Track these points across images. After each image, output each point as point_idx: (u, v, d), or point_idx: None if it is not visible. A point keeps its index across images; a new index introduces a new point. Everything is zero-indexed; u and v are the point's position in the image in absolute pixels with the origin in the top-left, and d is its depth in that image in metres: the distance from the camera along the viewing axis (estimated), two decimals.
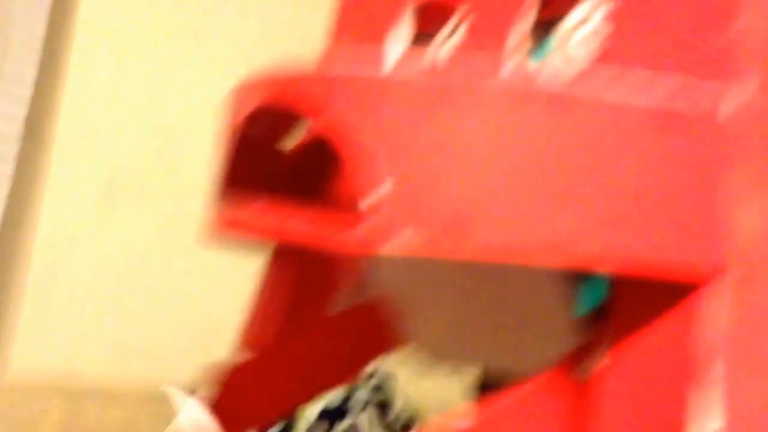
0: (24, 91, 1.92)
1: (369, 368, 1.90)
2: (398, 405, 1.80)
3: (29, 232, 1.89)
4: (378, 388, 1.83)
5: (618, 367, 0.51)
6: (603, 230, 0.46)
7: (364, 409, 1.73)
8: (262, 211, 0.48)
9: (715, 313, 0.48)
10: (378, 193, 0.44)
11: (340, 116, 0.45)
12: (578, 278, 0.55)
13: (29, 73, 1.93)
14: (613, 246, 0.46)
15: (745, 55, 0.49)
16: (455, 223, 0.45)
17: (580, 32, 0.57)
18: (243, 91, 0.53)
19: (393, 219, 0.44)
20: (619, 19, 0.53)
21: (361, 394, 1.79)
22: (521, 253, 0.45)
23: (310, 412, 1.71)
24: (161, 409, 1.76)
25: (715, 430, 0.47)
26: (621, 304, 0.52)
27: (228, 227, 0.50)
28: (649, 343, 0.50)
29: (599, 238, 0.46)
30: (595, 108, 0.46)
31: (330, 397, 1.74)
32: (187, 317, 1.97)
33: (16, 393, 1.54)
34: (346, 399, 1.77)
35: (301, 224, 0.46)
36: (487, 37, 0.59)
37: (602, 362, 0.51)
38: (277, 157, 0.65)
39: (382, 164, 0.45)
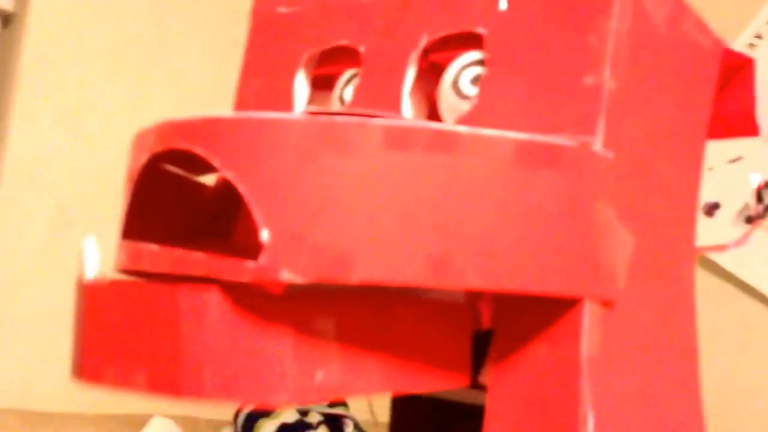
0: None
1: None
2: (350, 424, 1.83)
3: None
4: (334, 404, 1.86)
5: (504, 380, 0.55)
6: (480, 257, 0.49)
7: (319, 425, 1.76)
8: (164, 248, 0.51)
9: (590, 331, 0.52)
10: (261, 237, 0.47)
11: (226, 160, 0.49)
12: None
13: None
14: (492, 271, 0.49)
15: (595, 111, 0.53)
16: (338, 259, 0.48)
17: (469, 73, 0.60)
18: (139, 138, 0.56)
19: (274, 261, 0.47)
20: (491, 74, 0.58)
21: (317, 411, 1.82)
22: (402, 280, 0.48)
23: (267, 426, 1.73)
24: (116, 426, 1.79)
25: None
26: (505, 319, 0.56)
27: (133, 260, 0.53)
28: (535, 353, 0.53)
29: (477, 265, 0.49)
30: (471, 142, 0.49)
31: (286, 415, 1.76)
32: None
33: None
34: (303, 414, 1.79)
35: (200, 258, 0.49)
36: (384, 78, 0.62)
37: (490, 376, 0.55)
38: (197, 192, 0.68)
39: (262, 210, 0.48)
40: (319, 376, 0.50)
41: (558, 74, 0.55)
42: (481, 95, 0.58)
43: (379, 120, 0.50)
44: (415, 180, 0.49)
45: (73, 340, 0.55)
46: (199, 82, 2.25)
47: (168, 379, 0.49)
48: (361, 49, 0.63)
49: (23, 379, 1.90)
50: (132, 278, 0.59)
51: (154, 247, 0.51)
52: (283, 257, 0.48)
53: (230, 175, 0.49)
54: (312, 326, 0.50)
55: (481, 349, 0.58)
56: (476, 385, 0.58)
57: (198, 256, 0.49)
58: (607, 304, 0.53)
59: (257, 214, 0.48)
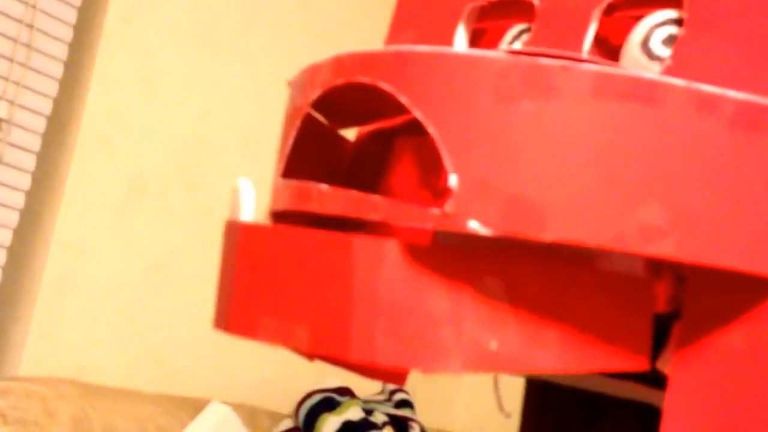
0: (50, 88, 1.91)
1: (390, 386, 1.89)
2: (416, 428, 1.78)
3: (48, 229, 1.88)
4: (399, 406, 1.82)
5: (688, 368, 0.49)
6: (683, 226, 0.44)
7: (384, 426, 1.71)
8: (336, 188, 0.46)
9: None
10: (449, 182, 0.43)
11: (415, 98, 0.44)
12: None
13: (56, 70, 1.92)
14: (701, 241, 0.44)
15: None
16: (531, 213, 0.43)
17: (661, 32, 0.55)
18: (311, 72, 0.51)
19: (462, 209, 0.43)
20: (690, 35, 0.52)
21: (382, 411, 1.77)
22: (597, 242, 0.44)
23: (331, 422, 1.69)
24: (173, 407, 1.76)
25: None
26: (697, 301, 0.50)
27: (299, 200, 0.48)
28: (729, 341, 0.48)
29: (685, 233, 0.44)
30: (688, 96, 0.44)
31: (351, 412, 1.72)
32: (203, 325, 1.95)
33: (27, 388, 1.53)
34: (368, 413, 1.75)
35: (378, 202, 0.45)
36: (561, 33, 0.57)
37: (676, 358, 0.50)
38: (339, 146, 0.64)
39: (452, 154, 0.44)
40: (494, 344, 0.45)
41: None
42: (675, 57, 0.53)
43: (588, 65, 0.45)
44: (624, 133, 0.44)
45: (219, 287, 0.51)
46: (279, 56, 2.21)
47: (334, 337, 0.44)
48: (536, 2, 0.59)
49: (85, 351, 1.87)
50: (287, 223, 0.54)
51: (324, 187, 0.47)
52: (472, 206, 0.43)
53: (418, 114, 0.44)
54: (486, 287, 0.46)
55: (660, 334, 0.53)
56: (654, 372, 0.53)
57: (376, 199, 0.45)
58: None
59: (447, 158, 0.44)
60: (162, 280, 1.98)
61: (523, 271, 0.47)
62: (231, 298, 0.49)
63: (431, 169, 0.60)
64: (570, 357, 0.48)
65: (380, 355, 0.43)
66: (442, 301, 0.44)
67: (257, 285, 0.47)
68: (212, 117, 2.07)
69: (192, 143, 2.04)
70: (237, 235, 0.49)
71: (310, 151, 0.59)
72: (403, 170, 0.61)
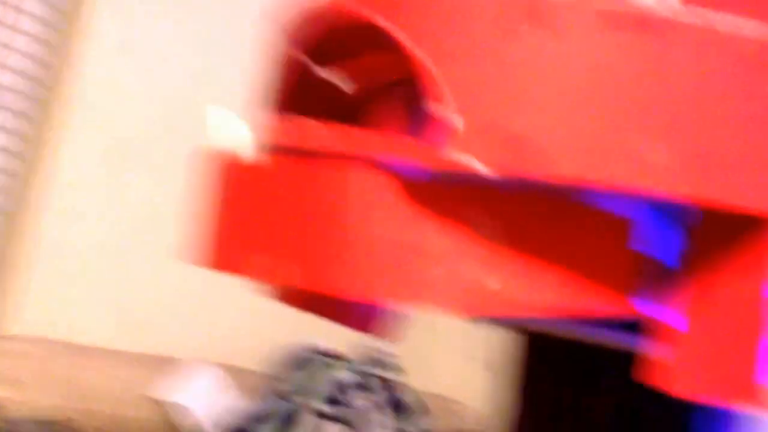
0: (35, 48, 1.88)
1: (380, 348, 1.88)
2: (407, 390, 1.78)
3: (35, 192, 1.86)
4: (389, 368, 1.81)
5: (705, 313, 0.48)
6: (693, 165, 0.43)
7: (375, 388, 1.71)
8: (331, 124, 0.45)
9: None
10: (452, 121, 0.41)
11: (413, 35, 0.43)
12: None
13: (42, 31, 1.90)
14: (704, 181, 0.43)
15: None
16: (536, 152, 0.42)
17: None
18: (310, 10, 0.50)
19: (465, 149, 0.41)
20: None
21: (371, 374, 1.77)
22: (604, 182, 0.42)
23: (321, 385, 1.69)
24: (161, 368, 1.75)
25: None
26: (703, 248, 0.49)
27: (297, 135, 0.46)
28: (737, 287, 0.47)
29: (691, 171, 0.43)
30: (703, 34, 0.43)
31: (341, 373, 1.72)
32: (192, 284, 1.94)
33: (20, 346, 1.52)
34: (358, 376, 1.75)
35: (377, 138, 0.43)
36: None
37: (687, 308, 0.49)
38: (331, 92, 0.62)
39: (454, 92, 0.42)
40: (495, 284, 0.44)
41: None
42: None
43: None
44: (631, 69, 0.42)
45: (205, 222, 0.49)
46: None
47: (328, 273, 0.43)
48: None
49: (72, 313, 1.86)
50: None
51: (320, 123, 0.45)
52: (475, 145, 0.42)
53: (417, 52, 0.43)
54: (484, 226, 0.44)
55: (667, 283, 0.52)
56: (647, 318, 0.52)
57: (375, 135, 0.43)
58: None
59: (448, 97, 0.42)
60: (150, 242, 1.96)
61: (524, 212, 0.46)
62: (219, 234, 0.47)
63: (426, 113, 0.59)
64: (569, 300, 0.47)
65: (376, 292, 0.42)
66: (441, 239, 0.43)
67: (247, 219, 0.46)
68: (198, 77, 2.05)
69: (174, 106, 2.02)
70: (222, 168, 0.48)
71: (298, 95, 0.57)
72: (397, 115, 0.59)
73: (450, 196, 0.44)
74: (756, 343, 0.45)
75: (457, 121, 0.42)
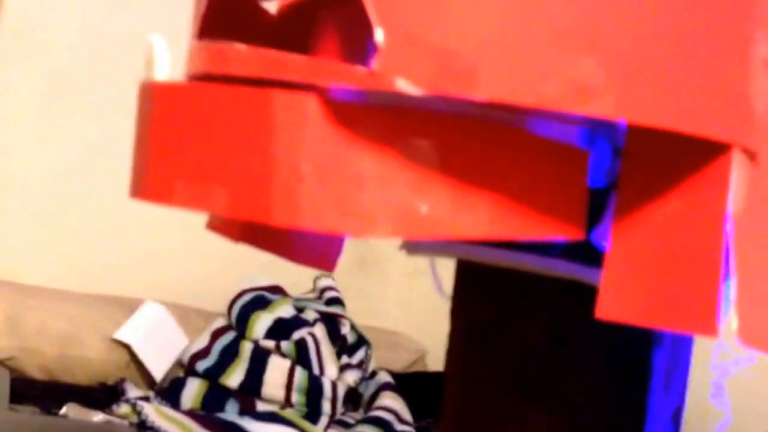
0: None
1: (321, 283, 1.88)
2: (347, 324, 1.77)
3: None
4: (330, 303, 1.81)
5: (627, 239, 0.48)
6: (621, 82, 0.42)
7: (315, 323, 1.70)
8: (256, 47, 0.43)
9: (737, 184, 0.45)
10: (375, 37, 0.40)
11: None
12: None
13: None
14: (639, 98, 0.42)
15: None
16: (463, 69, 0.41)
17: None
18: None
19: (389, 66, 0.40)
20: None
21: (313, 308, 1.77)
22: (532, 101, 0.41)
23: (263, 319, 1.68)
24: (106, 306, 1.73)
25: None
26: (634, 168, 0.48)
27: (217, 61, 0.45)
28: (668, 207, 0.46)
29: (622, 90, 0.42)
30: None
31: (282, 309, 1.71)
32: (136, 222, 1.91)
33: None
34: (299, 311, 1.74)
35: (300, 61, 0.42)
36: None
37: (615, 231, 0.48)
38: (260, 16, 0.60)
39: (377, 5, 0.41)
40: (424, 207, 0.43)
41: None
42: None
43: None
44: None
45: (135, 155, 0.48)
46: None
47: (255, 199, 0.42)
48: None
49: (15, 252, 1.83)
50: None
51: (242, 47, 0.44)
52: (400, 62, 0.41)
53: None
54: (416, 149, 0.43)
55: (597, 206, 0.51)
56: (590, 243, 0.52)
57: (298, 58, 0.42)
58: (752, 156, 0.46)
59: (371, 9, 0.41)
60: (90, 177, 1.93)
61: (455, 134, 0.45)
62: (146, 163, 0.46)
63: (358, 36, 0.57)
64: (501, 223, 0.46)
65: (304, 217, 0.41)
66: (369, 162, 0.42)
67: (173, 147, 0.44)
68: (132, 8, 2.00)
69: (112, 35, 1.97)
70: (151, 96, 0.46)
71: (228, 20, 0.55)
72: (329, 39, 0.58)
73: (380, 118, 0.43)
74: (714, 269, 0.45)
75: (383, 38, 0.40)
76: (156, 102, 0.46)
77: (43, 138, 1.90)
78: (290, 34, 0.60)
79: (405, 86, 0.41)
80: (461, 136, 0.45)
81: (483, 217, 0.45)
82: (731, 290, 0.44)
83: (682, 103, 0.43)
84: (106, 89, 1.92)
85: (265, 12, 0.61)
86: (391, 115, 0.43)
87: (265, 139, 0.41)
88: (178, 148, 0.44)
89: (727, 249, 0.44)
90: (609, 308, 0.47)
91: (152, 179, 0.45)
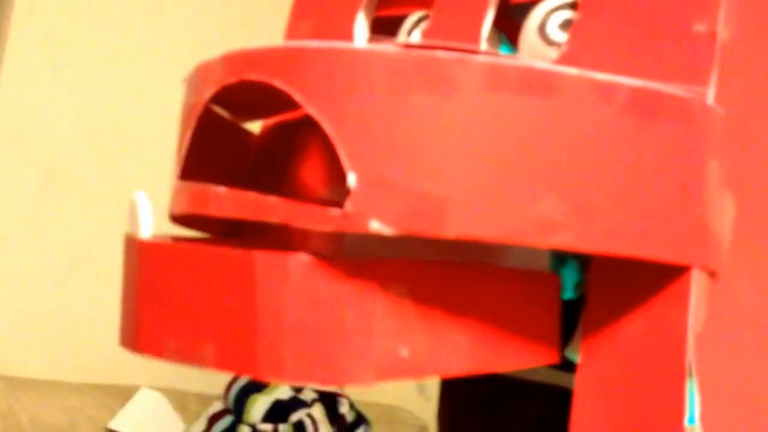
0: None
1: None
2: (345, 403, 1.78)
3: None
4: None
5: (596, 355, 0.50)
6: (581, 216, 0.44)
7: (313, 403, 1.71)
8: (233, 190, 0.46)
9: (696, 303, 0.47)
10: (348, 181, 0.42)
11: (309, 95, 0.43)
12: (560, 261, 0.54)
13: None
14: (598, 230, 0.44)
15: (707, 60, 0.48)
16: (432, 210, 0.43)
17: (557, 17, 0.55)
18: (202, 70, 0.50)
19: (362, 208, 0.42)
20: (584, 18, 0.52)
21: (311, 388, 1.77)
22: (499, 236, 0.43)
23: (261, 402, 1.69)
24: (102, 396, 1.73)
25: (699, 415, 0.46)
26: (600, 289, 0.50)
27: (197, 203, 0.47)
28: (632, 327, 0.48)
29: (583, 223, 0.44)
30: (582, 86, 0.44)
31: (280, 391, 1.72)
32: None
33: None
34: (297, 391, 1.75)
35: (275, 203, 0.44)
36: (460, 21, 0.57)
37: (583, 346, 0.50)
38: (243, 140, 0.63)
39: (350, 152, 0.43)
40: (405, 351, 0.45)
41: (662, 20, 0.50)
42: (572, 41, 0.53)
43: (482, 56, 0.44)
44: (520, 125, 0.44)
45: (124, 305, 0.50)
46: (199, 36, 2.17)
47: (241, 355, 0.44)
48: None
49: (7, 344, 1.84)
50: (189, 229, 0.54)
51: (221, 190, 0.46)
52: (372, 205, 0.43)
53: (313, 111, 0.44)
54: (394, 296, 0.45)
55: (569, 321, 0.53)
56: (565, 361, 0.53)
57: (273, 200, 0.44)
58: (712, 275, 0.48)
59: (344, 156, 0.43)
60: (82, 269, 1.94)
61: (426, 274, 0.47)
62: (136, 317, 0.48)
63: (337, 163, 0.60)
64: (481, 357, 0.48)
65: (289, 373, 0.43)
66: (349, 314, 0.44)
67: (160, 304, 0.46)
68: (126, 102, 2.03)
69: (106, 130, 2.00)
70: (135, 252, 0.48)
71: (213, 148, 0.57)
72: (311, 164, 0.60)
73: (357, 267, 0.45)
74: (679, 394, 0.46)
75: (355, 181, 0.43)
76: (141, 260, 0.48)
77: (36, 232, 1.92)
78: (277, 153, 0.62)
79: (378, 227, 0.43)
80: (433, 275, 0.47)
81: (462, 353, 0.47)
82: (695, 409, 0.46)
83: (640, 231, 0.45)
84: (100, 183, 1.94)
85: (248, 133, 0.63)
86: (366, 265, 0.45)
87: (249, 298, 0.43)
88: (166, 306, 0.46)
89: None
90: (582, 427, 0.48)
91: (144, 335, 0.47)
